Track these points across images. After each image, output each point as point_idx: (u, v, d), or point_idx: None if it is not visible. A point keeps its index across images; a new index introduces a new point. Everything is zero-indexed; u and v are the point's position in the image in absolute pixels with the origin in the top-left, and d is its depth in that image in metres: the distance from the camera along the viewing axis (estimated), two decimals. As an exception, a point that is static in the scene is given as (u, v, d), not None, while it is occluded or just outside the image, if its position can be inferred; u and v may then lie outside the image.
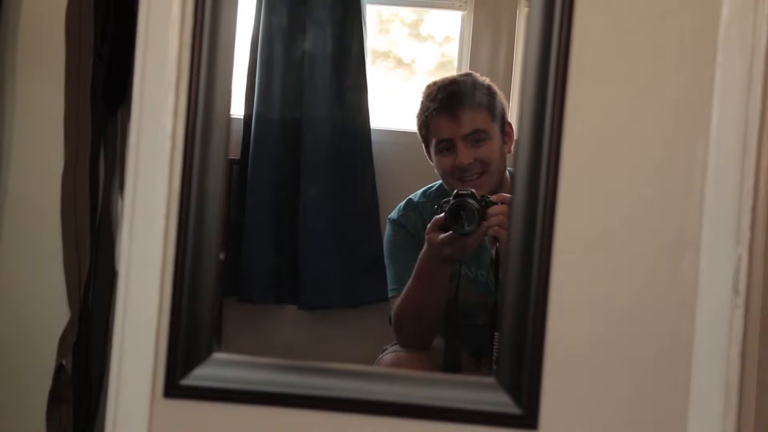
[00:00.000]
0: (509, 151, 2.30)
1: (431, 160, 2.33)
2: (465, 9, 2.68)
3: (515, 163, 1.45)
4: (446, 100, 2.30)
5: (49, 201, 1.99)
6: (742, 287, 1.40)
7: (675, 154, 1.43)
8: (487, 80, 2.35)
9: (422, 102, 2.34)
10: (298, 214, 2.54)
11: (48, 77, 2.02)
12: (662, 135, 1.44)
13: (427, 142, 2.33)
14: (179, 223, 1.44)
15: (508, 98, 2.53)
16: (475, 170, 2.25)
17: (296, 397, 1.45)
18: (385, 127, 2.60)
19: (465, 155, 2.26)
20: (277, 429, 1.46)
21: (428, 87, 2.35)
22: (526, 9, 1.45)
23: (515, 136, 1.47)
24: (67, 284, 1.96)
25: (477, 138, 2.27)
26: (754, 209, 1.40)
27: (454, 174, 2.26)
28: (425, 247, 2.15)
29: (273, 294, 2.56)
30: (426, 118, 2.32)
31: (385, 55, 2.78)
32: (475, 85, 2.34)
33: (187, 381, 1.45)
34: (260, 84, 2.52)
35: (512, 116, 2.48)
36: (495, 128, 2.29)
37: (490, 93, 2.33)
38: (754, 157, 1.40)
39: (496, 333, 1.96)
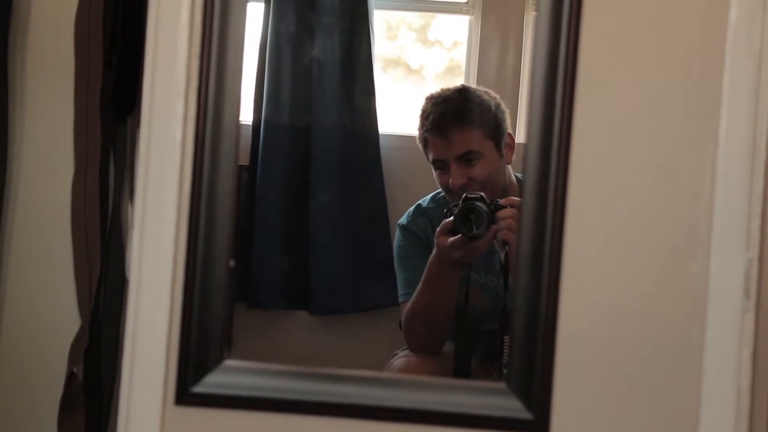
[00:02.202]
0: (509, 162, 2.28)
1: None
2: (473, 13, 2.68)
3: (524, 168, 1.45)
4: (437, 121, 2.28)
5: (59, 209, 2.00)
6: (752, 291, 1.40)
7: (684, 158, 1.43)
8: (485, 93, 2.32)
9: (420, 116, 2.33)
10: (308, 219, 2.55)
11: (57, 85, 2.03)
12: (671, 139, 1.43)
13: (426, 155, 2.33)
14: (189, 230, 1.44)
15: (515, 103, 2.52)
16: (471, 188, 2.23)
17: (307, 403, 1.45)
18: (393, 132, 2.60)
19: (457, 176, 2.25)
20: (288, 435, 1.46)
21: (426, 100, 2.33)
22: (534, 13, 1.45)
23: (524, 141, 1.47)
24: (77, 292, 1.97)
25: (469, 158, 2.26)
26: (763, 213, 1.40)
27: (450, 192, 2.26)
28: (435, 251, 2.15)
29: (283, 300, 2.56)
30: (422, 134, 2.32)
31: (395, 62, 2.78)
32: (469, 102, 2.31)
33: (199, 388, 1.45)
34: (269, 90, 2.52)
35: (520, 121, 2.48)
36: (489, 145, 2.27)
37: (486, 108, 2.30)
38: (764, 160, 1.40)
39: (505, 337, 1.97)
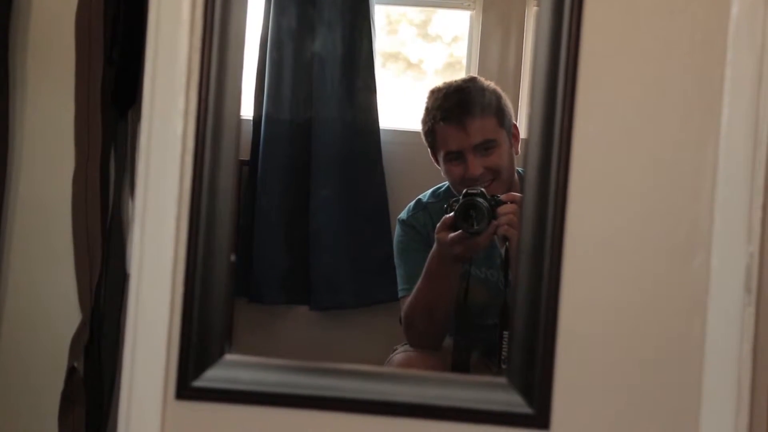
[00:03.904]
0: (516, 153, 2.29)
1: (437, 164, 2.31)
2: (473, 9, 2.68)
3: (525, 162, 1.45)
4: (453, 110, 2.27)
5: (60, 203, 2.00)
6: (753, 286, 1.40)
7: (685, 152, 1.43)
8: (491, 84, 2.32)
9: (427, 109, 2.31)
10: (309, 214, 2.54)
11: (58, 79, 2.02)
12: (672, 133, 1.44)
13: (434, 149, 2.31)
14: (190, 224, 1.45)
15: (517, 98, 2.52)
16: (485, 178, 2.23)
17: (307, 398, 1.45)
18: (394, 127, 2.60)
19: (475, 166, 2.24)
20: (288, 430, 1.46)
21: (432, 93, 2.32)
22: (536, 8, 1.45)
23: (525, 136, 1.47)
24: (78, 286, 1.97)
25: (486, 147, 2.25)
26: (764, 207, 1.40)
27: (464, 183, 2.24)
28: (435, 246, 2.15)
29: (284, 295, 2.56)
30: (432, 126, 2.29)
31: (395, 56, 2.78)
32: (481, 91, 2.30)
33: (199, 383, 1.45)
34: (270, 85, 2.52)
35: (521, 116, 2.48)
36: (503, 134, 2.27)
37: (497, 97, 2.29)
38: (765, 154, 1.40)
39: (505, 332, 1.97)
